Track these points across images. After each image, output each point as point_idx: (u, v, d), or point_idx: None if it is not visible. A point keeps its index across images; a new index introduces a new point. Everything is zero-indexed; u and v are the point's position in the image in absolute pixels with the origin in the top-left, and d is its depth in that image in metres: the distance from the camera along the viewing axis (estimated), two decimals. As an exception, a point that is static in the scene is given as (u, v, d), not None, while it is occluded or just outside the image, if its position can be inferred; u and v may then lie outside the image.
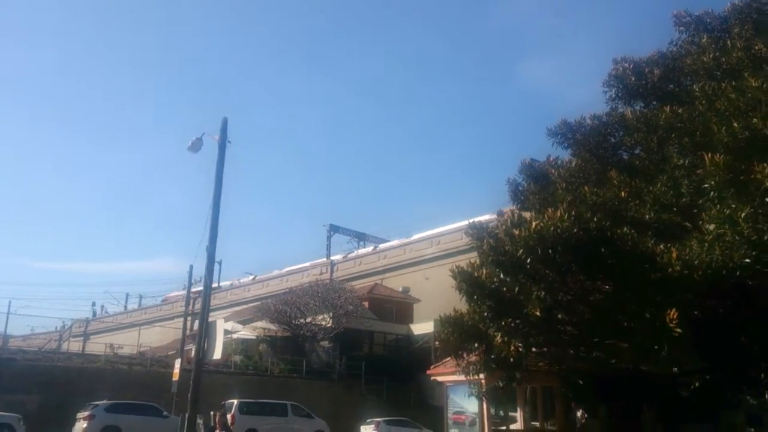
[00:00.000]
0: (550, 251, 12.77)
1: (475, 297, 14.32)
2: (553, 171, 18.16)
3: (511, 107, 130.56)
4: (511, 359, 13.83)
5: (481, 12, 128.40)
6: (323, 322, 41.34)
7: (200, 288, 58.46)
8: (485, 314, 14.75)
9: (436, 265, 57.35)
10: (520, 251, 12.84)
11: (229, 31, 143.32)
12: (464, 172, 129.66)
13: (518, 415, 18.69)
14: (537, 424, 19.06)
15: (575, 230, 12.35)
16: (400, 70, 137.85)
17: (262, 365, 36.97)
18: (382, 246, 65.82)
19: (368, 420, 34.04)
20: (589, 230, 12.57)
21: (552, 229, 12.41)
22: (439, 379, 18.97)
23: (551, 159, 18.75)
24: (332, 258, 68.36)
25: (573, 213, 12.19)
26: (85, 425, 26.02)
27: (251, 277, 72.64)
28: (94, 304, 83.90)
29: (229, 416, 27.56)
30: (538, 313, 12.72)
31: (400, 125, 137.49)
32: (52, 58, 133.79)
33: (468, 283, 14.30)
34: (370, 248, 67.88)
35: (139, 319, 77.82)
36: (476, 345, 15.04)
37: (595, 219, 12.95)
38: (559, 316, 13.96)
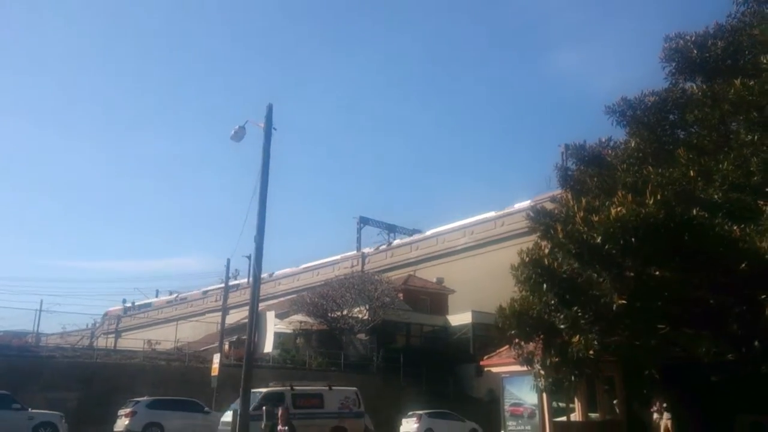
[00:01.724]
0: (632, 239, 12.02)
1: (545, 286, 13.60)
2: (608, 152, 17.33)
3: (540, 96, 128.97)
4: (588, 359, 13.04)
5: (502, 4, 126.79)
6: (359, 315, 40.87)
7: (232, 282, 58.25)
8: (552, 303, 14.05)
9: (469, 255, 56.64)
10: (599, 238, 12.08)
11: (254, 25, 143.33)
12: (494, 162, 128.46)
13: (576, 406, 17.93)
14: (595, 415, 18.33)
15: (661, 215, 11.59)
16: (429, 60, 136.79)
17: (300, 359, 36.56)
18: (413, 237, 65.25)
19: (409, 413, 33.52)
20: (675, 215, 11.80)
21: (635, 215, 11.67)
22: (494, 370, 18.28)
23: (603, 140, 17.90)
24: (363, 250, 67.89)
25: (659, 197, 11.44)
26: (127, 422, 25.75)
27: (288, 270, 72.28)
28: (125, 301, 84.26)
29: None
30: (621, 302, 11.99)
31: (428, 116, 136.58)
32: (84, 42, 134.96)
33: (539, 271, 13.57)
34: (401, 239, 67.31)
35: (171, 314, 78.07)
36: (540, 336, 14.36)
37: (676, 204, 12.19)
38: (638, 305, 13.19)
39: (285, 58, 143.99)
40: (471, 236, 56.64)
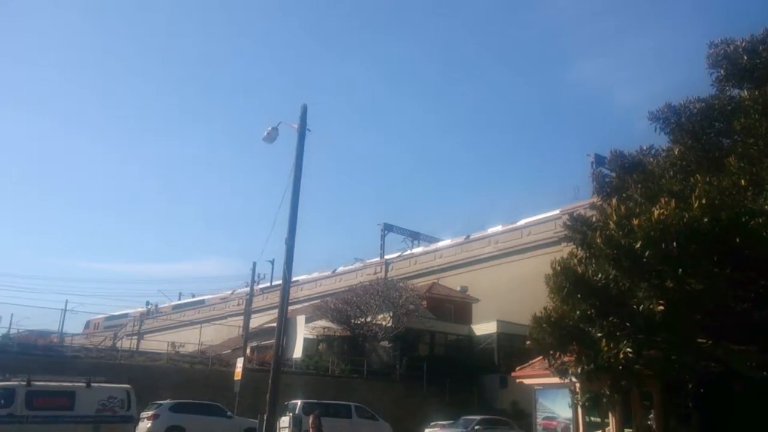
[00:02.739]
0: (674, 243, 11.52)
1: (579, 295, 13.12)
2: (650, 160, 16.83)
3: (564, 106, 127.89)
4: (620, 366, 12.53)
5: (529, 11, 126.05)
6: (383, 322, 40.40)
7: (248, 288, 57.95)
8: (588, 313, 13.57)
9: (493, 264, 56.00)
10: (638, 244, 11.60)
11: (273, 29, 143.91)
12: (516, 174, 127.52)
13: (611, 422, 17.32)
14: (629, 430, 17.71)
15: (705, 219, 11.08)
16: (445, 69, 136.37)
17: (323, 365, 36.19)
18: (437, 245, 64.77)
19: (432, 423, 32.97)
20: (720, 220, 11.28)
21: (678, 219, 11.17)
22: (526, 381, 17.73)
23: (645, 147, 17.41)
24: (386, 257, 67.49)
25: (704, 201, 10.94)
26: (149, 425, 25.50)
27: (310, 275, 72.05)
28: (148, 303, 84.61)
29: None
30: (660, 309, 11.48)
31: (450, 125, 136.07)
32: (111, 42, 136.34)
33: (572, 279, 13.11)
34: (425, 247, 66.80)
35: (193, 317, 78.17)
36: (575, 346, 13.86)
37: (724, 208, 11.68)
38: (677, 316, 12.65)
39: (309, 61, 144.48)
40: (496, 245, 56.02)
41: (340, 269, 70.11)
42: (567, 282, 13.12)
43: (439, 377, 38.77)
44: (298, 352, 15.46)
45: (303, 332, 15.55)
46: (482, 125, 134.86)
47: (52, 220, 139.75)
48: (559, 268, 12.99)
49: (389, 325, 40.21)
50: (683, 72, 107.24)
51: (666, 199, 12.51)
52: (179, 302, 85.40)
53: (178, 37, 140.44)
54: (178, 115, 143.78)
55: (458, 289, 51.65)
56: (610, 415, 17.47)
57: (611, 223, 12.14)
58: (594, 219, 14.56)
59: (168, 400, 26.71)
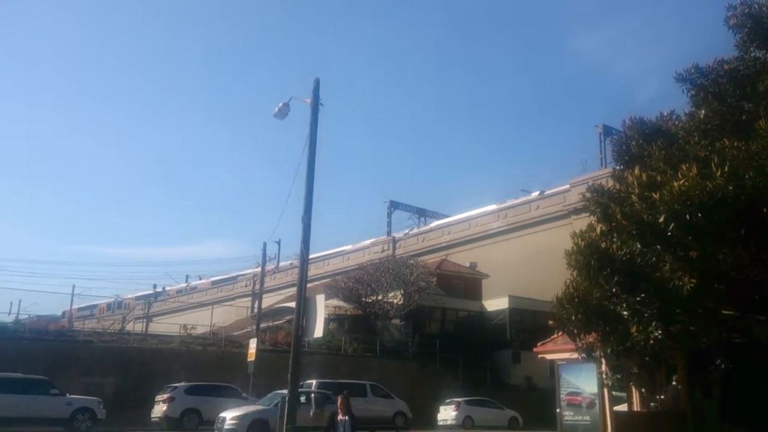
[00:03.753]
0: (699, 215, 11.08)
1: (604, 272, 12.68)
2: (673, 125, 16.29)
3: (563, 80, 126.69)
4: (648, 348, 12.14)
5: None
6: (394, 300, 40.18)
7: (258, 269, 57.68)
8: (614, 290, 13.13)
9: (502, 239, 55.68)
10: (661, 218, 11.16)
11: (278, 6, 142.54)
12: (523, 146, 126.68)
13: (635, 395, 17.05)
14: (653, 405, 17.45)
15: (730, 188, 10.63)
16: (452, 41, 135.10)
17: (335, 344, 36.01)
18: (445, 221, 64.31)
19: (447, 400, 32.87)
20: (745, 187, 10.82)
21: (701, 188, 10.72)
22: (548, 357, 17.40)
23: (665, 113, 16.87)
24: (394, 234, 67.15)
25: (726, 168, 10.48)
26: (164, 408, 25.42)
27: (317, 254, 71.73)
28: (155, 286, 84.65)
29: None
30: (690, 286, 11.07)
31: (452, 102, 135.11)
32: (115, 32, 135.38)
33: (596, 255, 12.65)
34: (433, 223, 66.38)
35: (202, 299, 78.18)
36: (601, 326, 13.49)
37: (749, 174, 11.20)
38: (704, 288, 12.25)
39: (316, 36, 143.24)
40: (505, 220, 55.65)
41: (347, 247, 69.82)
42: (590, 257, 12.65)
43: (451, 354, 38.62)
44: (319, 332, 15.15)
45: (323, 311, 15.24)
46: (486, 101, 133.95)
47: (57, 205, 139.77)
48: (582, 242, 12.50)
49: (400, 302, 40.01)
50: (684, 42, 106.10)
51: (687, 166, 12.08)
52: (184, 285, 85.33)
53: (183, 18, 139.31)
54: (182, 97, 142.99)
55: (467, 265, 51.35)
56: (633, 389, 17.21)
57: (633, 195, 11.68)
58: (615, 189, 14.06)
59: (183, 383, 26.60)
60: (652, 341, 11.96)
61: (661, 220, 11.44)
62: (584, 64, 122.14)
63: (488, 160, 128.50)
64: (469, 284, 48.11)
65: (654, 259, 12.43)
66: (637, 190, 12.27)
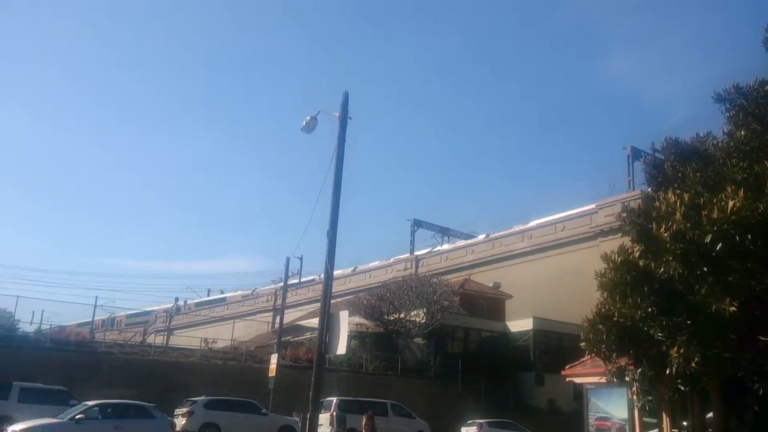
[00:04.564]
0: (748, 236, 10.71)
1: (640, 291, 12.29)
2: (709, 146, 15.87)
3: (591, 102, 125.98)
4: (688, 373, 11.69)
5: (558, 7, 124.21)
6: (416, 318, 39.75)
7: (280, 284, 57.36)
8: (649, 310, 12.70)
9: (526, 260, 55.10)
10: (708, 237, 10.78)
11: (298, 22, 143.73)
12: (547, 170, 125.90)
13: (665, 421, 16.47)
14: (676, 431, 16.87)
15: None
16: (478, 62, 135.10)
17: (356, 362, 35.64)
18: (469, 241, 63.89)
19: (469, 421, 32.27)
20: None
21: (752, 210, 10.36)
22: (577, 380, 16.93)
23: (702, 134, 16.46)
24: (417, 253, 66.77)
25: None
26: (183, 422, 25.09)
27: (339, 271, 71.57)
28: (177, 299, 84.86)
29: (328, 415, 26.25)
30: (733, 309, 10.65)
31: (476, 118, 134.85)
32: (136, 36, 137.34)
33: (633, 274, 12.27)
34: (456, 243, 65.92)
35: (223, 313, 78.21)
36: (635, 347, 13.06)
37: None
38: (745, 313, 11.81)
39: (337, 50, 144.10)
40: (529, 240, 55.11)
41: (370, 265, 69.56)
42: (626, 276, 12.27)
43: (473, 374, 38.06)
44: (342, 349, 14.82)
45: (347, 328, 14.93)
46: (511, 121, 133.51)
47: (81, 216, 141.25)
48: (619, 260, 12.13)
49: (423, 321, 39.57)
50: (714, 67, 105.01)
51: (732, 188, 11.70)
52: (206, 299, 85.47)
53: (207, 24, 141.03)
54: (205, 113, 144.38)
55: (491, 285, 50.82)
56: (663, 415, 16.68)
57: (677, 214, 11.31)
58: (653, 209, 13.68)
59: (203, 397, 26.33)
60: (693, 365, 11.52)
61: (708, 240, 11.08)
62: (611, 87, 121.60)
63: (513, 180, 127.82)
64: (492, 304, 47.57)
65: (694, 281, 12.03)
66: (681, 209, 11.88)
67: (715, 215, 10.72)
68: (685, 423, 16.97)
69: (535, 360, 41.52)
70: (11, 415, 21.45)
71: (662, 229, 11.65)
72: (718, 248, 11.13)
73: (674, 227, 11.58)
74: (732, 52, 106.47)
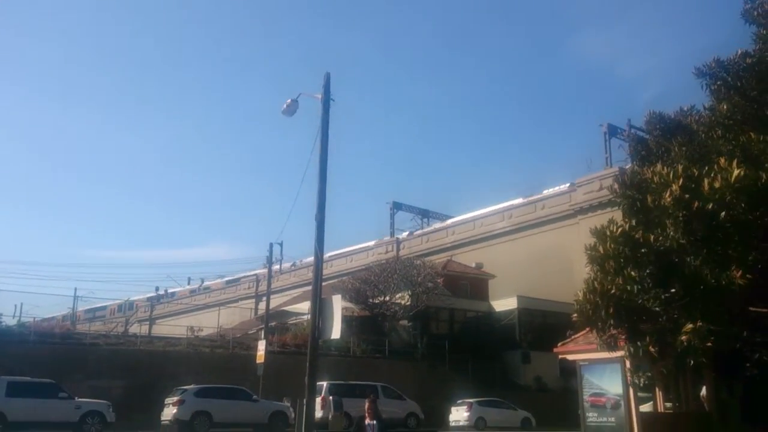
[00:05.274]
0: (742, 205, 10.83)
1: (639, 263, 12.35)
2: (692, 120, 15.98)
3: (564, 80, 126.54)
4: (689, 346, 11.76)
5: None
6: (401, 301, 39.88)
7: (261, 270, 56.70)
8: (645, 283, 12.79)
9: (507, 239, 55.40)
10: (710, 205, 10.86)
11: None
12: (522, 149, 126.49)
13: (658, 396, 16.73)
14: (669, 405, 17.12)
15: None
16: (449, 43, 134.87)
17: (344, 346, 35.71)
18: (449, 221, 64.03)
19: (458, 401, 32.57)
20: None
21: (754, 179, 10.47)
22: (570, 357, 17.03)
23: (686, 108, 16.56)
24: (398, 236, 66.87)
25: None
26: (174, 410, 25.03)
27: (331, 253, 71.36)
28: (157, 289, 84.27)
29: (319, 399, 26.32)
30: (740, 279, 10.76)
31: (451, 100, 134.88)
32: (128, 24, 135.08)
33: (629, 245, 12.31)
34: (437, 224, 66.08)
35: (204, 301, 77.88)
36: (630, 320, 13.16)
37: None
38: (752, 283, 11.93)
39: (314, 34, 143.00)
40: (510, 220, 55.40)
41: (351, 248, 69.47)
42: (626, 248, 12.30)
43: (460, 355, 38.35)
44: (336, 333, 14.82)
45: (340, 312, 14.92)
46: (484, 101, 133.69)
47: (58, 207, 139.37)
48: (618, 231, 12.15)
49: (408, 303, 39.70)
50: (684, 42, 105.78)
51: (726, 159, 11.81)
52: (197, 285, 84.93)
53: (190, 11, 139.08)
54: (183, 98, 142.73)
55: (473, 265, 51.09)
56: (656, 389, 16.87)
57: (674, 185, 11.37)
58: (649, 181, 13.70)
59: (192, 385, 26.24)
60: (709, 344, 11.54)
61: (710, 206, 11.13)
62: (583, 64, 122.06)
63: (490, 161, 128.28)
64: (475, 285, 47.81)
65: (694, 249, 12.04)
66: (680, 180, 11.87)
67: (717, 184, 10.78)
68: (673, 396, 17.28)
69: (521, 338, 41.91)
70: (0, 409, 21.29)
71: (666, 196, 11.60)
72: (721, 217, 11.18)
73: (674, 195, 11.57)
74: (703, 27, 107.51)
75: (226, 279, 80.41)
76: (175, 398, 25.40)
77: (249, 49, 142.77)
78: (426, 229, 66.34)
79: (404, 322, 40.79)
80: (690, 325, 11.17)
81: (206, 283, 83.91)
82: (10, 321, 32.07)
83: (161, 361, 31.19)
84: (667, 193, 11.24)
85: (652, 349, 12.08)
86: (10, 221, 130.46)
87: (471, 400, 31.99)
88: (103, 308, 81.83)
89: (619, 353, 13.69)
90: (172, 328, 45.88)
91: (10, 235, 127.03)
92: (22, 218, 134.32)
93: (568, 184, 52.20)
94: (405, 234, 66.91)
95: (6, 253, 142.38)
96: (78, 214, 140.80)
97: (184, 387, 26.07)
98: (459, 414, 31.80)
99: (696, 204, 10.85)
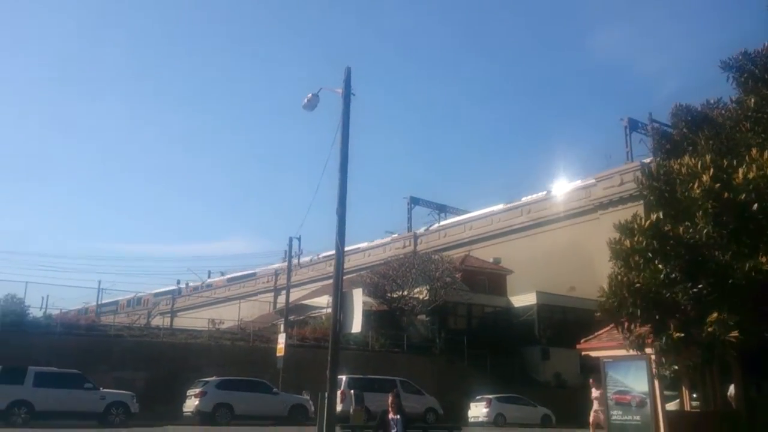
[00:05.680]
0: None
1: (667, 256, 12.26)
2: (720, 113, 15.81)
3: (583, 77, 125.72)
4: (719, 341, 11.66)
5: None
6: (419, 295, 39.90)
7: (279, 264, 56.80)
8: (672, 276, 12.68)
9: (525, 235, 55.20)
10: (742, 196, 10.76)
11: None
12: (542, 145, 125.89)
13: (684, 394, 16.59)
14: (696, 403, 16.98)
15: None
16: (467, 41, 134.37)
17: (363, 340, 35.83)
18: (466, 216, 63.89)
19: (477, 396, 32.57)
20: None
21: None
22: (593, 354, 16.91)
23: (712, 101, 16.38)
24: (415, 230, 66.88)
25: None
26: (196, 402, 25.33)
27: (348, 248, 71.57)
28: (179, 282, 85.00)
29: (339, 392, 26.44)
30: (766, 265, 10.66)
31: (470, 94, 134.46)
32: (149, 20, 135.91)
33: (657, 238, 12.20)
34: (455, 219, 65.97)
35: (225, 294, 78.38)
36: (657, 314, 13.06)
37: None
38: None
39: (335, 25, 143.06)
40: (528, 215, 55.19)
41: (368, 243, 69.59)
42: (654, 242, 12.21)
43: (478, 350, 38.25)
44: (357, 327, 14.88)
45: (361, 305, 14.99)
46: (501, 98, 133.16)
47: (81, 204, 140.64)
48: (646, 224, 12.06)
49: (426, 298, 39.70)
50: (702, 38, 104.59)
51: (757, 150, 11.72)
52: (209, 280, 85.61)
53: (214, 10, 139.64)
54: (203, 91, 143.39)
55: (491, 260, 51.00)
56: (683, 387, 16.71)
57: (704, 176, 11.27)
58: (676, 173, 13.56)
59: (214, 377, 26.52)
60: (733, 336, 11.43)
61: (742, 197, 11.04)
62: (601, 61, 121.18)
63: (508, 157, 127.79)
64: (493, 280, 47.73)
65: (724, 241, 11.93)
66: (710, 171, 11.76)
67: (752, 174, 10.68)
68: (699, 394, 17.11)
69: (540, 334, 41.77)
70: (28, 399, 21.62)
71: (695, 187, 11.49)
72: (754, 208, 11.08)
73: (704, 186, 11.47)
74: (719, 24, 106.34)
75: (235, 275, 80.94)
76: (197, 390, 25.69)
77: (271, 46, 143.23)
78: (443, 224, 66.27)
79: (422, 317, 40.79)
80: (715, 314, 11.09)
81: (223, 277, 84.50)
82: (37, 313, 32.53)
83: (183, 353, 31.51)
84: (697, 184, 11.14)
85: (676, 336, 11.95)
86: (39, 214, 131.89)
87: (490, 396, 31.96)
88: (115, 303, 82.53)
89: (647, 350, 13.62)
90: (193, 321, 46.19)
91: (37, 227, 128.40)
92: (47, 211, 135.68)
93: (591, 180, 51.83)
94: (422, 229, 66.91)
95: (32, 246, 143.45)
96: (101, 209, 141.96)
97: (206, 379, 26.36)
98: (478, 410, 31.78)
99: (727, 195, 10.76)
